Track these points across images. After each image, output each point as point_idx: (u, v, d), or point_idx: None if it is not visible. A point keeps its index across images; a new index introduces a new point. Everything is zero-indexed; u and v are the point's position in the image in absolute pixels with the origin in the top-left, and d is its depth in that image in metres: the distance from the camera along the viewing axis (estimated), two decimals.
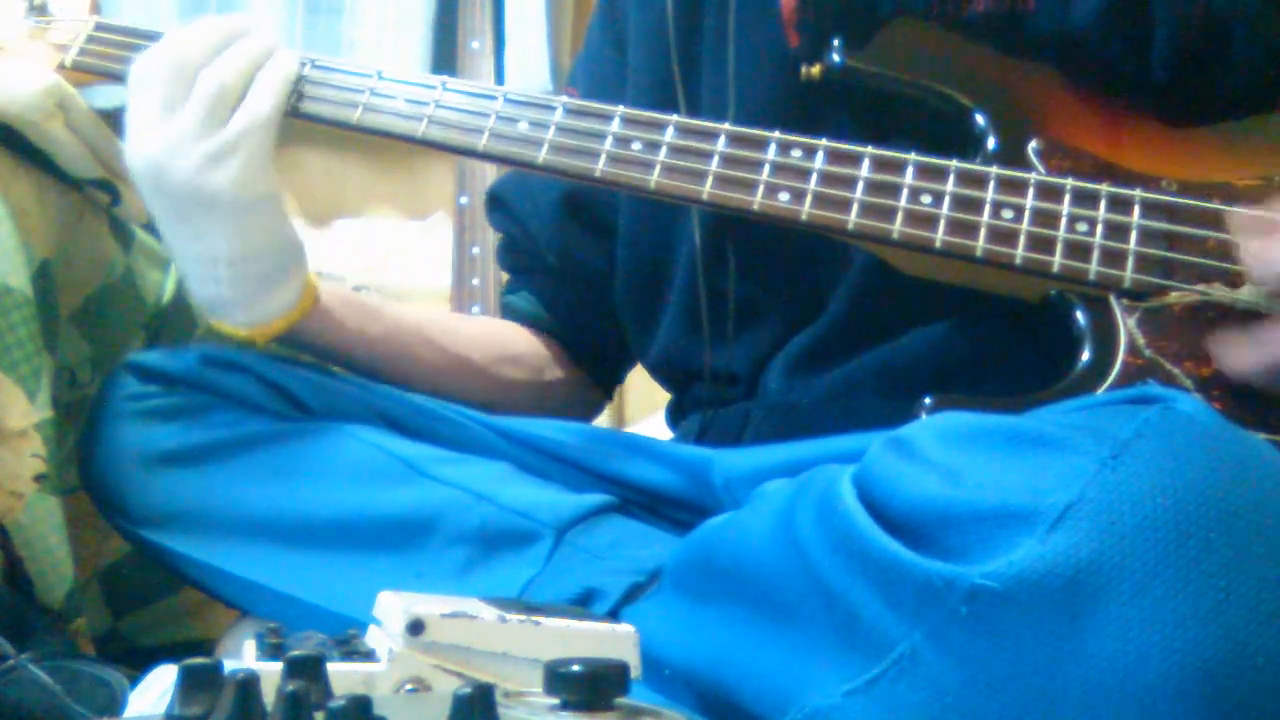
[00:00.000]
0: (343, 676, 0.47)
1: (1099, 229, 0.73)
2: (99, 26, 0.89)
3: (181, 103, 0.79)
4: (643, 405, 1.83)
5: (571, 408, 1.04)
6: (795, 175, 0.76)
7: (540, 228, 1.02)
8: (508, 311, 1.06)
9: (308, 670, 0.42)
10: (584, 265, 1.01)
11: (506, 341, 1.02)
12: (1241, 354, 0.68)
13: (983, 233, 0.73)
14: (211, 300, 0.83)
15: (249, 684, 0.37)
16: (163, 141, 0.78)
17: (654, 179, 0.78)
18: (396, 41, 2.08)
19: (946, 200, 0.74)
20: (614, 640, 0.52)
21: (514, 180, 1.05)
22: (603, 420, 1.26)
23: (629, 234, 0.97)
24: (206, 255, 0.81)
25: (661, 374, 1.00)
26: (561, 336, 1.04)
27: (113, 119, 0.89)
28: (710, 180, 0.77)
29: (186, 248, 0.81)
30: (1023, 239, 0.73)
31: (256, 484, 0.81)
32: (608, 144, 0.79)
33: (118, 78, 0.88)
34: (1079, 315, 0.73)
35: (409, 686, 0.50)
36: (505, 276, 1.11)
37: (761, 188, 0.77)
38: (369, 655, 0.51)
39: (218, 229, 0.79)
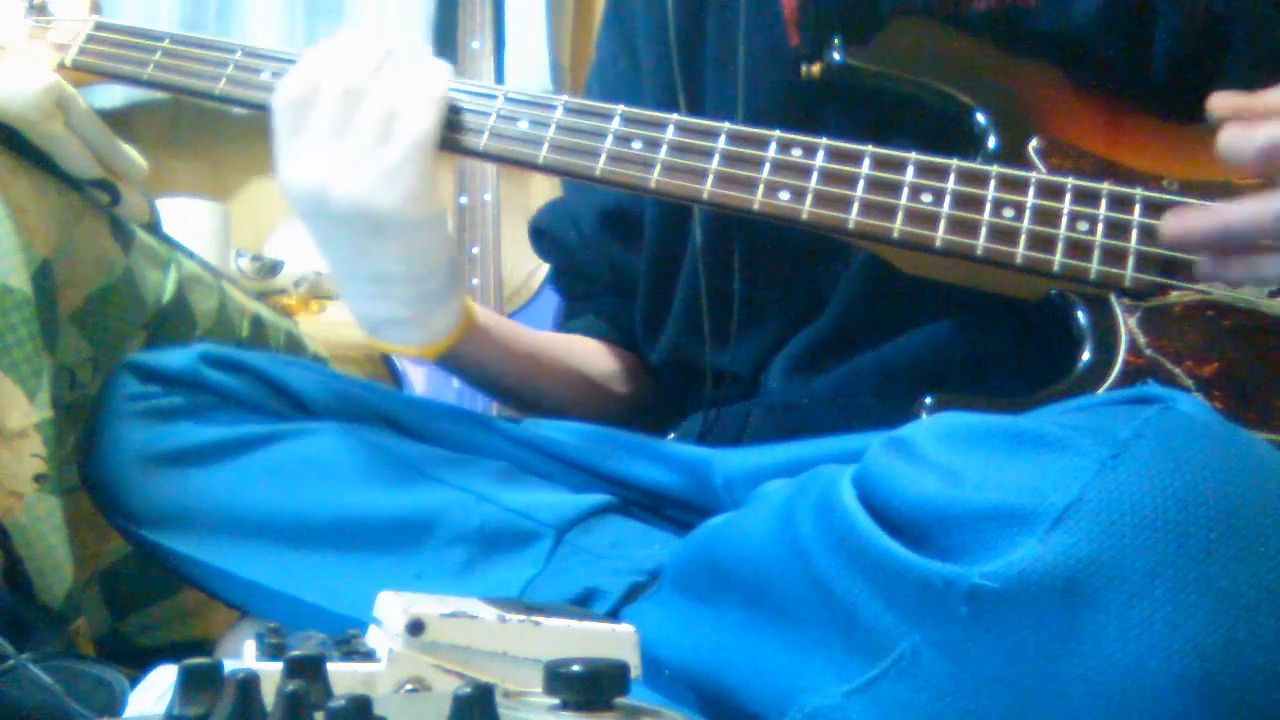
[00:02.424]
0: (343, 676, 0.47)
1: (1100, 228, 0.73)
2: (99, 26, 0.89)
3: (347, 124, 0.77)
4: None
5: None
6: (796, 174, 0.76)
7: (586, 252, 1.04)
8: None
9: (308, 670, 0.42)
10: (635, 278, 1.02)
11: (603, 358, 1.04)
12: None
13: (983, 231, 0.73)
14: (382, 319, 0.84)
15: (249, 684, 0.37)
16: (329, 163, 0.76)
17: (654, 178, 0.78)
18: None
19: (947, 199, 0.74)
20: (614, 640, 0.52)
21: (553, 210, 1.07)
22: None
23: (649, 237, 0.97)
24: (378, 275, 0.80)
25: (665, 374, 1.00)
26: (634, 348, 1.05)
27: (113, 119, 0.89)
28: (711, 179, 0.77)
29: (354, 268, 0.81)
30: (1023, 238, 0.73)
31: (257, 484, 0.81)
32: (608, 143, 0.79)
33: (117, 77, 0.88)
34: (1079, 315, 0.73)
35: (409, 686, 0.50)
36: (507, 276, 1.11)
37: (762, 186, 0.76)
38: (369, 655, 0.51)
39: (388, 248, 0.78)
